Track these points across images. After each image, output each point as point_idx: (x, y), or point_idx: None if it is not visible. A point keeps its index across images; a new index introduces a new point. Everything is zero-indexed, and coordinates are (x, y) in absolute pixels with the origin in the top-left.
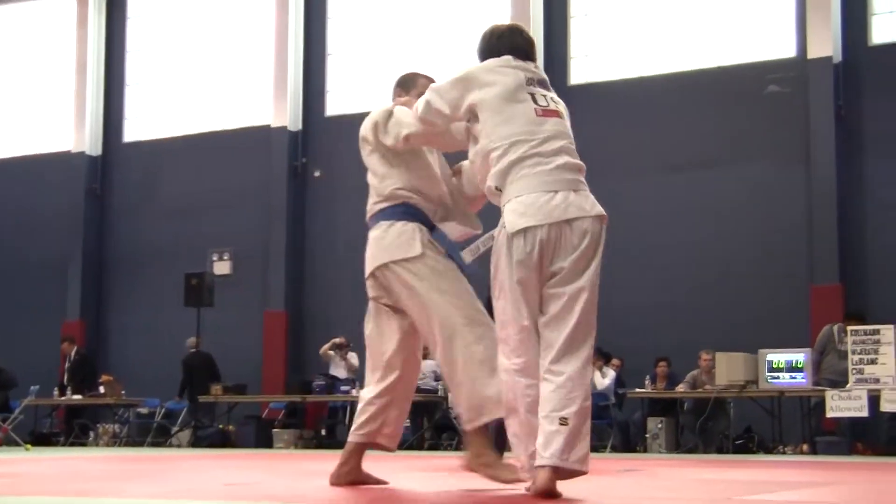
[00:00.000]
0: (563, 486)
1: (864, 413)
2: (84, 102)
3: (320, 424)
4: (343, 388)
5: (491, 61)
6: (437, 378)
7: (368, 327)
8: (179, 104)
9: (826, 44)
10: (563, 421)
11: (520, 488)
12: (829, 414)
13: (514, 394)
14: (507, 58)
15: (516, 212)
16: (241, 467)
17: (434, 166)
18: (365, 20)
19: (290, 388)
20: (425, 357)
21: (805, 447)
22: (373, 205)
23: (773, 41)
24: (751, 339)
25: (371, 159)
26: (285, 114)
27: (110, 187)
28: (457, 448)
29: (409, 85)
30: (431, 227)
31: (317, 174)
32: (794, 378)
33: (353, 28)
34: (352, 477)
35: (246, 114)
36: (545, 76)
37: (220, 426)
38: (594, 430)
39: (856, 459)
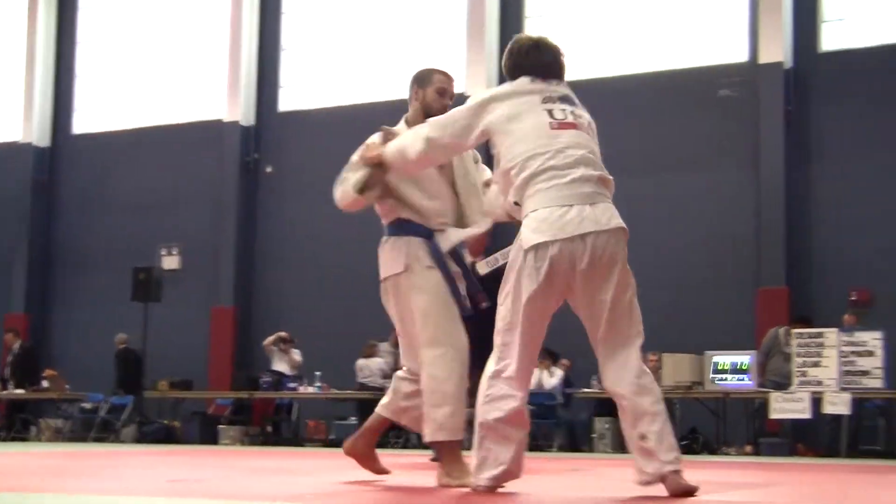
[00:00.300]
0: (509, 485)
1: (807, 415)
2: (33, 93)
3: (267, 421)
4: (290, 385)
5: (504, 87)
6: (385, 376)
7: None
8: (131, 97)
9: (777, 49)
10: (642, 437)
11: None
12: (773, 415)
13: (487, 399)
14: (524, 80)
15: (530, 227)
16: (186, 464)
17: (439, 181)
18: (320, 16)
19: (236, 384)
20: (370, 356)
21: (749, 448)
22: (382, 217)
23: (726, 46)
24: (697, 340)
25: None
26: (238, 108)
27: (58, 179)
28: (404, 446)
29: (426, 82)
30: (430, 235)
31: (269, 170)
32: (740, 380)
33: (308, 23)
34: (365, 451)
35: (198, 108)
36: (568, 92)
37: (166, 422)
38: (540, 430)
39: (797, 461)
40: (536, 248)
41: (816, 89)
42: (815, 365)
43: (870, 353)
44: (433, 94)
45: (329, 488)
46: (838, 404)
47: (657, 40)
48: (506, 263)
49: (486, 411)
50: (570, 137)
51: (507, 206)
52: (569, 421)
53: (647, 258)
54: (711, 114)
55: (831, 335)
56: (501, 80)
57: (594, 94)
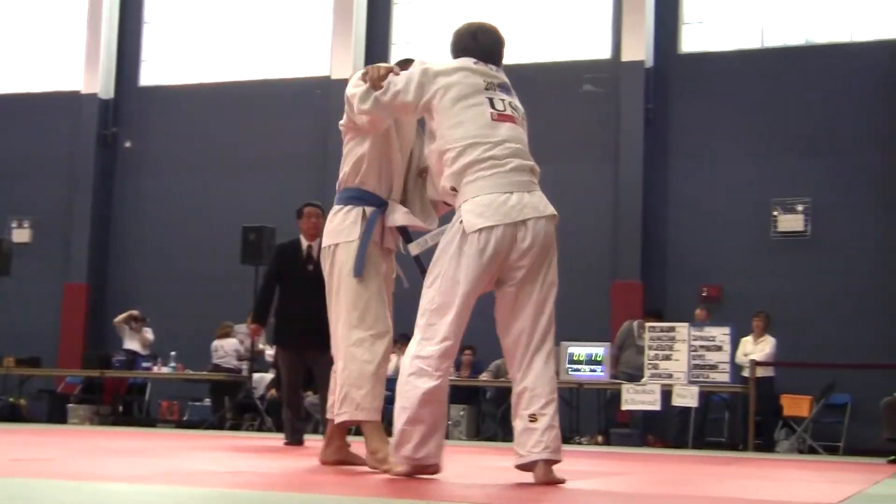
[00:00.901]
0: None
1: (657, 406)
2: None
3: (118, 401)
4: (144, 364)
5: (451, 63)
6: (240, 357)
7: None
8: None
9: (639, 48)
10: (532, 418)
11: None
12: (625, 406)
13: (406, 380)
14: (468, 60)
15: (473, 212)
16: (32, 442)
17: (396, 160)
18: None
19: (88, 362)
20: (226, 335)
21: (600, 438)
22: (338, 186)
23: (590, 42)
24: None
25: (347, 146)
26: (97, 81)
27: None
28: (259, 429)
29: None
30: (384, 206)
31: (127, 145)
32: (594, 371)
33: None
34: (337, 456)
35: (55, 78)
36: (506, 80)
37: (11, 399)
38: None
39: (647, 451)
40: (481, 231)
41: (675, 89)
42: (667, 358)
43: (718, 348)
44: None
45: (181, 470)
46: (687, 397)
47: (523, 33)
48: (435, 245)
49: (404, 392)
50: (507, 130)
51: (441, 190)
52: None
53: None
54: (574, 108)
55: (683, 329)
56: (369, 64)
57: None
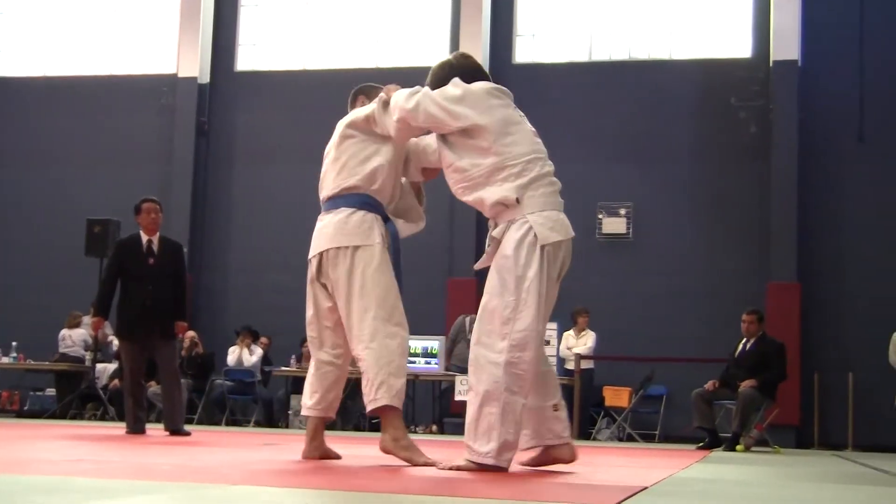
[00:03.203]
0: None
1: None
2: None
3: None
4: None
5: (487, 86)
6: (87, 347)
7: (309, 312)
8: None
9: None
10: (556, 407)
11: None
12: (458, 397)
13: (513, 382)
14: (490, 84)
15: (545, 226)
16: None
17: (401, 171)
18: None
19: None
20: (76, 325)
21: (434, 427)
22: (334, 188)
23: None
24: None
25: (347, 147)
26: None
27: None
28: (101, 418)
29: (374, 95)
30: (386, 219)
31: None
32: (429, 363)
33: None
34: (320, 451)
35: None
36: None
37: None
38: (238, 405)
39: None
40: (554, 245)
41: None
42: None
43: (546, 342)
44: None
45: (18, 458)
46: None
47: (361, 38)
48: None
49: (514, 399)
50: (543, 148)
51: (493, 201)
52: (266, 397)
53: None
54: None
55: None
56: (215, 64)
57: (301, 85)
